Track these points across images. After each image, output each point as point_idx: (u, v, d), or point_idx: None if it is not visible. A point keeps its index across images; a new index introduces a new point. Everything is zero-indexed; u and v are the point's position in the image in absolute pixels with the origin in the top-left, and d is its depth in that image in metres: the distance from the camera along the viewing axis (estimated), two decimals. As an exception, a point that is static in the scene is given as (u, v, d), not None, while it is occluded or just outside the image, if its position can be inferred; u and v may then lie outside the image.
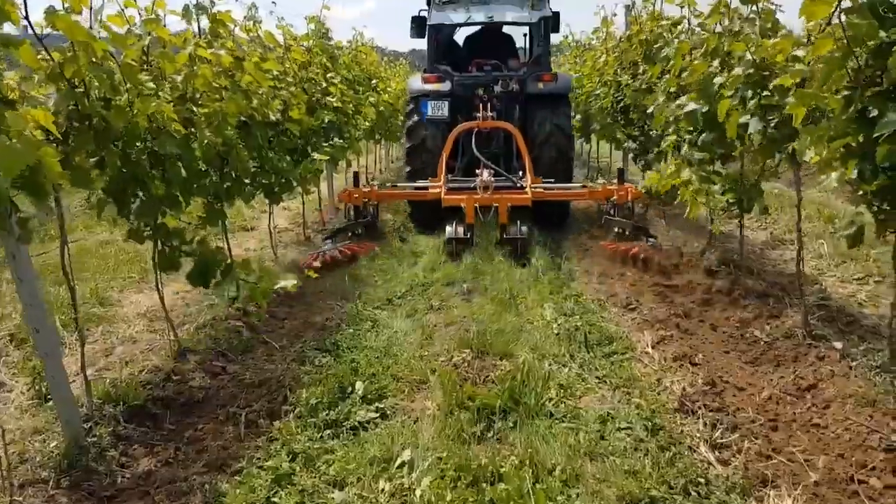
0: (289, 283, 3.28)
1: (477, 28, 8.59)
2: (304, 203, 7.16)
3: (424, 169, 7.34)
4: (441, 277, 5.49)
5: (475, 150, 6.93)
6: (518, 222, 6.30)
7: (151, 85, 3.37)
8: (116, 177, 3.32)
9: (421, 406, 3.22)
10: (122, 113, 3.16)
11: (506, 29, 8.71)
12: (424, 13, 8.14)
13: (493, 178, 6.50)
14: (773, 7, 3.99)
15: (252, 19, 5.67)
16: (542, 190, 6.66)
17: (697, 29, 5.24)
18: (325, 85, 6.69)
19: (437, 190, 6.72)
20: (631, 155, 7.19)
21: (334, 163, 7.58)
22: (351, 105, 8.15)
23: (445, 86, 7.58)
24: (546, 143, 7.22)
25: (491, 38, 8.57)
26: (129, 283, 5.59)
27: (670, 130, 5.32)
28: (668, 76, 5.46)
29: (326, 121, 6.42)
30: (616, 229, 6.39)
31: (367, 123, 8.51)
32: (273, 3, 7.78)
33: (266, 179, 5.34)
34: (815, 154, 2.77)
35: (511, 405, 3.05)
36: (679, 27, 5.74)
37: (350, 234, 6.81)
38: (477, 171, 6.68)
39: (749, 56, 3.86)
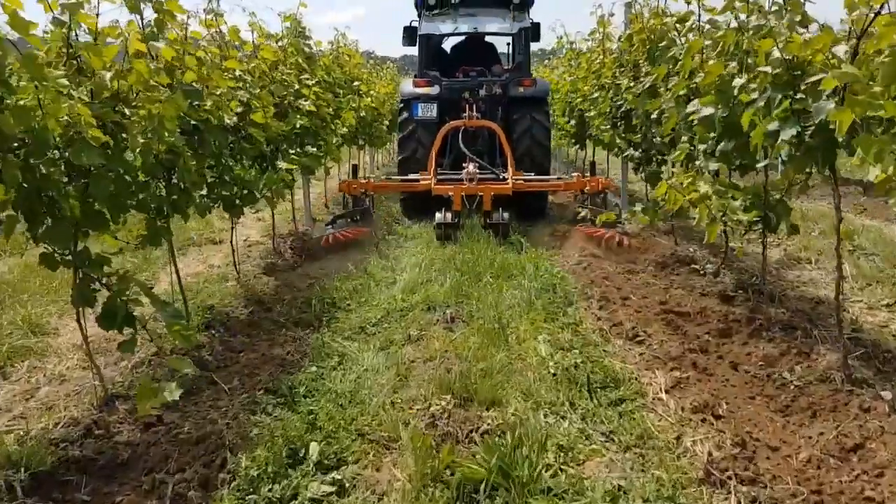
0: (170, 394, 2.64)
1: (463, 37, 9.38)
2: (273, 215, 6.54)
3: (416, 164, 8.05)
4: (420, 301, 4.89)
5: (462, 146, 7.76)
6: (500, 209, 6.96)
7: (65, 82, 2.77)
8: (19, 193, 2.72)
9: (388, 476, 2.63)
10: (21, 115, 2.56)
11: (489, 38, 9.45)
12: (415, 23, 8.96)
13: (478, 171, 7.24)
14: (803, -2, 3.43)
15: (213, 13, 5.08)
16: (522, 182, 7.36)
17: (707, 26, 4.70)
18: (297, 87, 6.10)
19: (428, 181, 7.35)
20: (632, 164, 6.64)
21: (309, 172, 6.99)
22: (329, 109, 7.58)
23: (434, 89, 8.36)
24: (526, 140, 8.03)
25: (476, 47, 9.31)
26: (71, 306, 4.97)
27: (683, 139, 4.76)
28: (675, 78, 4.91)
29: (298, 126, 5.83)
30: (589, 216, 6.91)
31: (345, 129, 7.93)
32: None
33: (226, 191, 4.74)
34: (880, 172, 2.21)
35: (499, 479, 2.46)
36: (687, 23, 5.19)
37: (349, 219, 7.33)
38: (463, 164, 7.41)
39: (777, 54, 3.30)
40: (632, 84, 6.50)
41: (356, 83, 8.69)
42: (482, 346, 3.90)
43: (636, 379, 3.51)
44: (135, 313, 2.94)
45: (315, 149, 6.75)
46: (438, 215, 6.97)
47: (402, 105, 8.52)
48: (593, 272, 5.64)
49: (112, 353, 3.98)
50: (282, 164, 5.03)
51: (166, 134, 3.28)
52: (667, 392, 3.34)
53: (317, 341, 4.17)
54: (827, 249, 5.83)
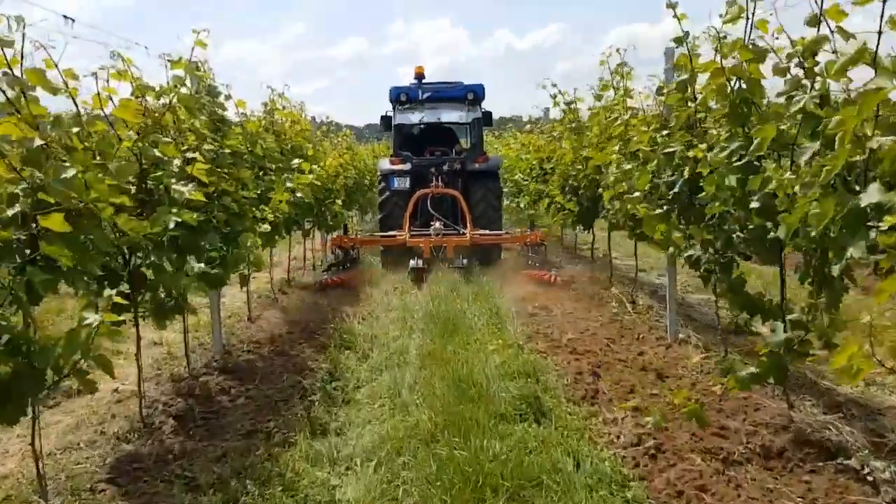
0: None
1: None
2: (138, 362, 4.09)
3: (393, 224, 9.92)
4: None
5: (430, 209, 9.66)
6: (461, 256, 8.86)
7: None
8: None
9: None
10: None
11: (448, 121, 11.69)
12: (390, 113, 11.29)
13: (443, 228, 9.26)
14: None
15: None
16: (478, 236, 9.24)
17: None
18: (176, 163, 3.80)
19: (403, 237, 9.15)
20: (701, 269, 4.39)
21: (213, 287, 4.61)
22: (252, 192, 5.33)
23: (406, 166, 10.50)
24: (482, 204, 10.07)
25: (439, 132, 11.68)
26: None
27: (852, 252, 2.57)
28: (806, 145, 2.76)
29: (174, 225, 3.49)
30: (530, 262, 9.01)
31: (276, 215, 5.62)
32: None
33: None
34: None
35: None
36: (816, 56, 3.09)
37: (340, 267, 9.15)
38: (431, 223, 9.35)
39: None
40: (688, 152, 4.39)
41: (295, 161, 6.44)
42: None
43: None
44: None
45: (219, 253, 4.42)
46: (412, 262, 8.74)
47: (381, 179, 10.64)
48: (674, 472, 3.31)
49: None
50: (91, 317, 2.60)
51: None
52: None
53: None
54: None
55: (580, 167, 7.18)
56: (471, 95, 10.83)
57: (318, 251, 11.38)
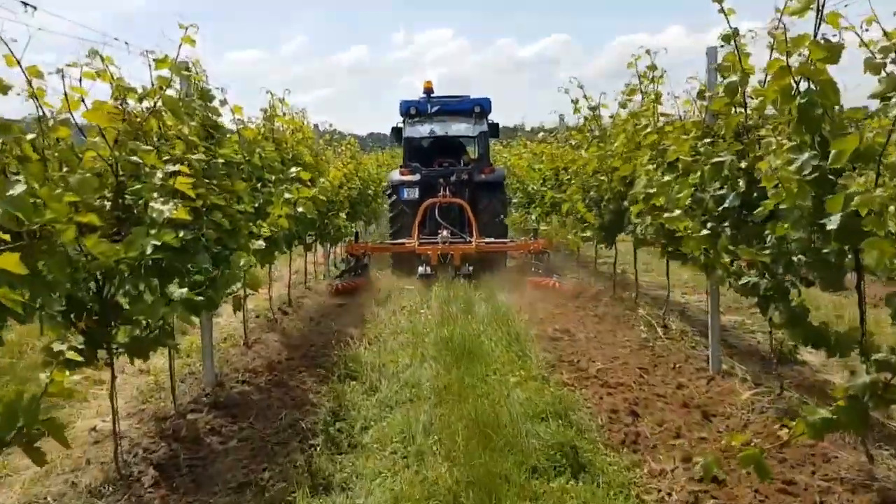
0: None
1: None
2: (111, 396, 3.56)
3: (403, 232, 10.20)
4: None
5: (438, 218, 10.01)
6: (467, 264, 9.17)
7: None
8: None
9: None
10: None
11: (455, 135, 11.88)
12: (400, 125, 11.59)
13: (450, 236, 9.70)
14: None
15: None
16: (483, 244, 9.53)
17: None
18: (158, 174, 3.29)
19: (413, 244, 9.49)
20: (757, 295, 3.84)
21: (200, 314, 4.09)
22: (250, 205, 4.85)
23: (415, 177, 10.82)
24: (487, 213, 10.30)
25: (447, 144, 11.88)
26: None
27: None
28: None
29: (151, 250, 2.97)
30: (533, 269, 9.18)
31: (273, 231, 5.10)
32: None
33: None
34: None
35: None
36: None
37: (352, 273, 9.38)
38: (439, 231, 9.81)
39: None
40: (740, 163, 3.88)
41: (294, 169, 5.93)
42: None
43: None
44: None
45: (208, 275, 3.91)
46: (420, 268, 9.24)
47: (391, 189, 11.07)
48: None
49: None
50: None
51: None
52: None
53: None
54: None
55: (603, 178, 6.66)
56: (478, 109, 11.23)
57: (321, 264, 10.86)
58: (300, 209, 5.22)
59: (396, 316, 7.25)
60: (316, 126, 10.00)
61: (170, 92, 3.93)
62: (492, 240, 9.75)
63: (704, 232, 4.11)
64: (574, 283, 8.62)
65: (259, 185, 5.85)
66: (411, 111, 11.32)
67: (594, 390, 4.72)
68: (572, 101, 7.37)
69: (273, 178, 5.94)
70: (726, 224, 4.15)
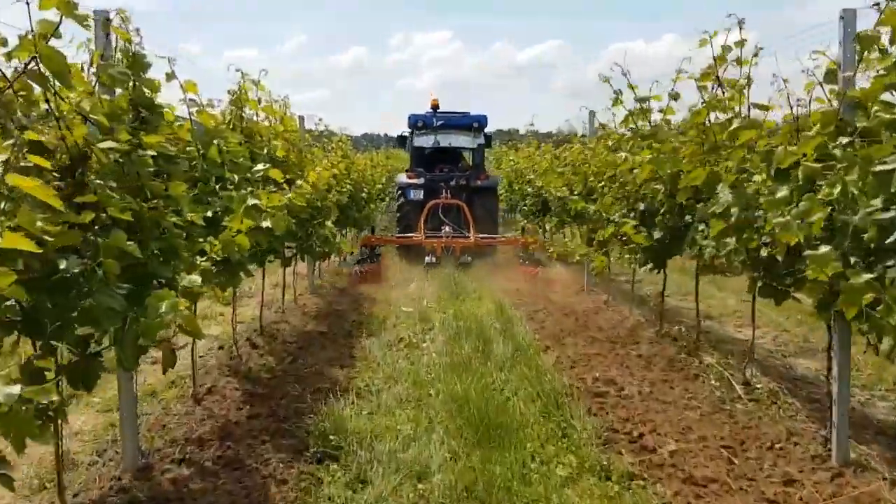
0: None
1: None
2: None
3: (409, 228, 11.90)
4: None
5: (441, 216, 11.68)
6: (465, 254, 10.92)
7: None
8: None
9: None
10: None
11: (456, 146, 13.66)
12: (406, 133, 13.90)
13: (451, 231, 11.26)
14: None
15: None
16: (480, 238, 11.07)
17: None
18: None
19: (420, 238, 11.10)
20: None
21: (87, 386, 2.67)
22: (199, 215, 3.48)
23: (420, 181, 12.58)
24: (482, 213, 11.97)
25: (448, 152, 13.63)
26: None
27: None
28: None
29: None
30: (521, 261, 10.55)
31: (231, 253, 3.68)
32: None
33: None
34: None
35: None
36: None
37: (368, 261, 10.50)
38: (442, 227, 11.36)
39: None
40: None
41: (260, 166, 4.53)
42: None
43: None
44: None
45: (114, 325, 2.51)
46: (427, 258, 10.73)
47: (399, 190, 12.63)
48: None
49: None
50: None
51: None
52: None
53: None
54: None
55: (659, 187, 5.28)
56: (476, 124, 13.16)
57: (305, 276, 9.36)
58: (266, 224, 3.79)
59: (393, 350, 5.85)
60: (302, 119, 8.59)
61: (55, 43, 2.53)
62: (486, 235, 11.29)
63: (866, 277, 2.72)
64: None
65: (218, 186, 4.47)
66: (419, 124, 13.25)
67: (674, 488, 3.32)
68: (614, 92, 5.98)
69: (237, 178, 4.54)
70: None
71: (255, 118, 5.99)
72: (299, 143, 7.27)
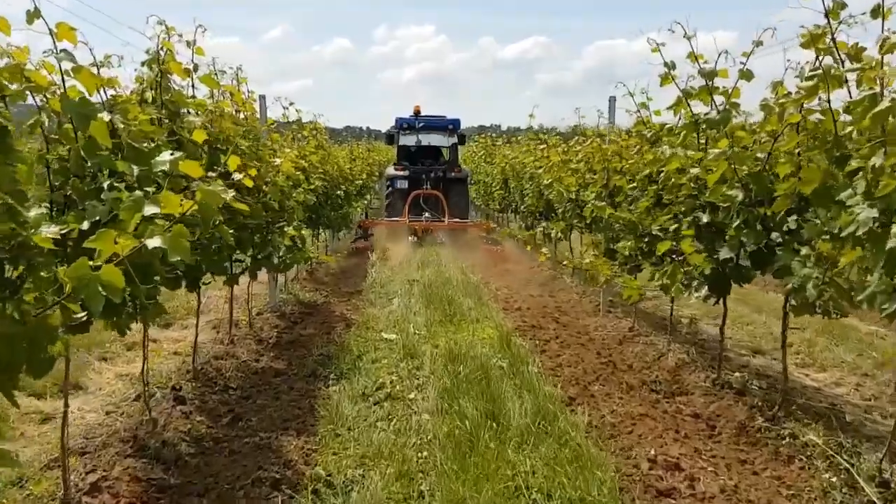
0: None
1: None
2: None
3: (395, 213, 13.75)
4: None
5: (421, 203, 13.72)
6: (441, 235, 13.54)
7: None
8: None
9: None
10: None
11: (434, 144, 16.32)
12: (392, 132, 16.28)
13: (430, 217, 13.45)
14: None
15: None
16: (453, 222, 13.14)
17: None
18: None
19: (404, 221, 13.06)
20: None
21: None
22: (57, 230, 1.93)
23: (405, 173, 14.74)
24: (455, 201, 13.98)
25: (428, 150, 16.18)
26: None
27: None
28: None
29: None
30: (484, 242, 12.57)
31: (86, 295, 2.20)
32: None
33: None
34: None
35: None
36: None
37: (363, 238, 13.17)
38: (423, 212, 13.60)
39: None
40: None
41: (165, 156, 3.02)
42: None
43: None
44: None
45: None
46: (411, 238, 13.11)
47: (388, 181, 14.96)
48: None
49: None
50: None
51: None
52: None
53: None
54: None
55: (733, 192, 3.86)
56: (451, 126, 15.62)
57: (262, 294, 7.78)
58: (155, 243, 2.28)
59: (369, 405, 4.38)
60: (262, 99, 7.06)
61: None
62: (458, 220, 13.45)
63: None
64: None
65: (108, 184, 2.99)
66: (404, 126, 15.78)
67: None
68: (665, 64, 4.54)
69: (137, 171, 3.04)
70: None
71: (185, 88, 4.50)
72: (255, 128, 5.76)
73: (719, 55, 4.38)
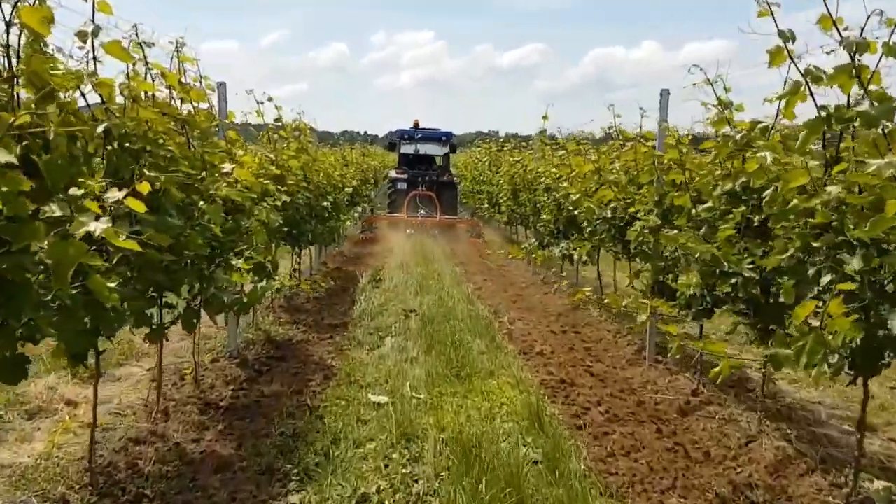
0: None
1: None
2: None
3: (396, 210, 16.67)
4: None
5: (418, 202, 16.60)
6: (435, 230, 15.49)
7: None
8: None
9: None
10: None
11: (430, 153, 19.15)
12: (394, 141, 19.63)
13: (426, 214, 16.22)
14: None
15: None
16: (445, 219, 16.18)
17: None
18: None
19: (404, 217, 16.06)
20: None
21: None
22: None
23: (405, 176, 17.37)
24: (446, 201, 16.84)
25: (424, 157, 19.03)
26: None
27: None
28: None
29: None
30: (470, 236, 15.80)
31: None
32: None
33: None
34: None
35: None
36: None
37: (369, 232, 15.89)
38: (419, 210, 16.36)
39: None
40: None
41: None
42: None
43: None
44: None
45: None
46: (408, 230, 15.12)
47: (391, 183, 17.76)
48: None
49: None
50: None
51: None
52: None
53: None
54: None
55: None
56: (444, 137, 18.63)
57: (218, 336, 6.27)
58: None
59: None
60: (222, 86, 5.58)
61: None
62: (448, 216, 16.35)
63: None
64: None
65: None
66: (404, 136, 18.74)
67: None
68: (780, 34, 3.10)
69: None
70: None
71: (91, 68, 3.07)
72: (202, 123, 4.28)
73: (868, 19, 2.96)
